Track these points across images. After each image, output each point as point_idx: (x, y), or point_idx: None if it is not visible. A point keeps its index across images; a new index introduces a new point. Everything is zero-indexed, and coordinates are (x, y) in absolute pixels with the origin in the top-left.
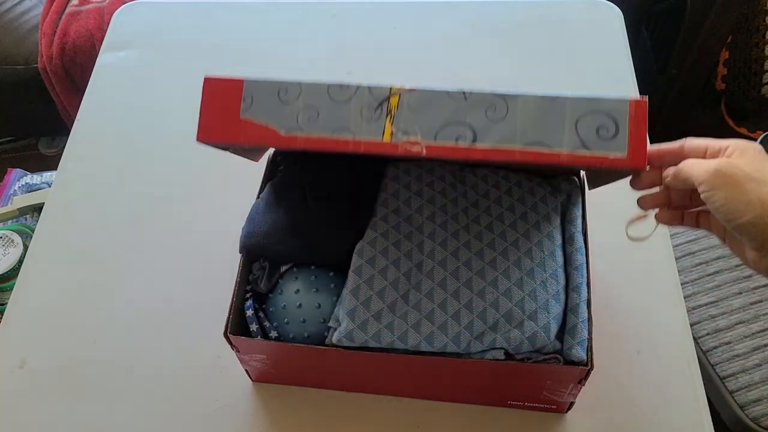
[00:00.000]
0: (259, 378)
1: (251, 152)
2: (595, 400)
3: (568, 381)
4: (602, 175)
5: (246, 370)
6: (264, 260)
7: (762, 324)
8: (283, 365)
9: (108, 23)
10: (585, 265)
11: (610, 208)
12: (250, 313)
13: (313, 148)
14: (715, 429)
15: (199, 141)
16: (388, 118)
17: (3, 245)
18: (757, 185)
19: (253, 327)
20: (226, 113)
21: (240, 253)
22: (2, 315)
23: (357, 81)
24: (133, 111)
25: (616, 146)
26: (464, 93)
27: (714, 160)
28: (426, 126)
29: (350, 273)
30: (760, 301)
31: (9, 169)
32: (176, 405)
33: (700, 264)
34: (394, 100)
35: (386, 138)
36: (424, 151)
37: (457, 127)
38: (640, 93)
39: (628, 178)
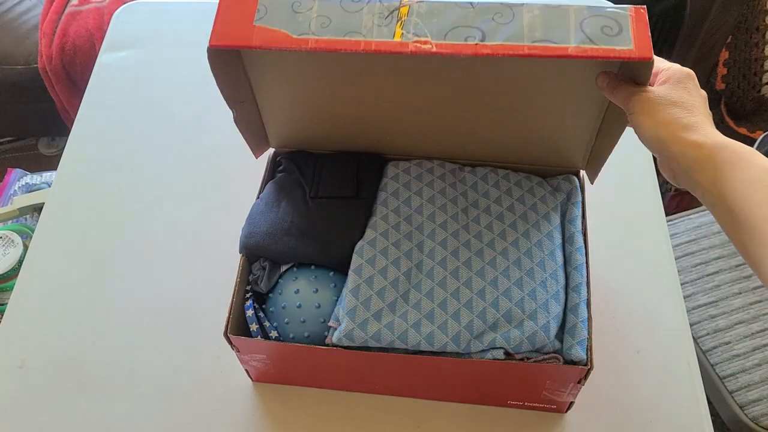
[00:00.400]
0: (259, 378)
1: (253, 140)
2: (594, 399)
3: (567, 381)
4: (609, 141)
5: (246, 370)
6: (264, 260)
7: (762, 324)
8: (283, 365)
9: (108, 23)
10: (585, 264)
11: (610, 208)
12: (250, 313)
13: (324, 50)
14: (714, 429)
15: (211, 46)
16: (399, 23)
17: (3, 245)
18: (665, 108)
19: (253, 327)
20: (240, 22)
21: (240, 253)
22: (2, 315)
23: None
24: (133, 111)
25: (622, 41)
26: (471, 3)
27: (639, 88)
28: (435, 29)
29: (350, 273)
30: (760, 301)
31: (9, 169)
32: (176, 405)
33: (700, 264)
34: (404, 10)
35: (396, 39)
36: (434, 48)
37: (466, 29)
38: None
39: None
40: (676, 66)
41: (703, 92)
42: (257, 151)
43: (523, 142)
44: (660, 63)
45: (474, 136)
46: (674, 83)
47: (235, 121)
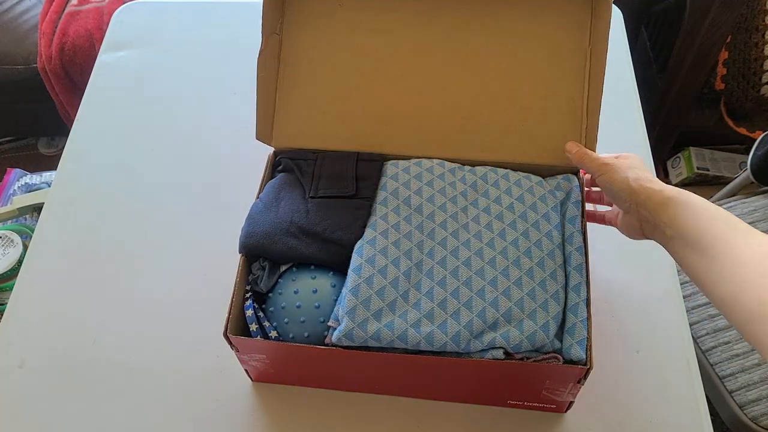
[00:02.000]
0: (259, 378)
1: (262, 105)
2: (594, 399)
3: (567, 380)
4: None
5: (246, 370)
6: (263, 260)
7: None
8: (283, 365)
9: (107, 23)
10: (584, 264)
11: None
12: (249, 312)
13: None
14: (714, 428)
15: None
16: None
17: (3, 245)
18: (631, 170)
19: (253, 327)
20: None
21: (240, 253)
22: (2, 315)
23: None
24: (133, 111)
25: None
26: None
27: (603, 156)
28: None
29: (350, 272)
30: None
31: (8, 168)
32: (176, 404)
33: None
34: None
35: None
36: None
37: None
38: (640, 93)
39: None
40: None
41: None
42: (260, 131)
43: (520, 129)
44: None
45: (473, 130)
46: (633, 158)
47: (259, 58)
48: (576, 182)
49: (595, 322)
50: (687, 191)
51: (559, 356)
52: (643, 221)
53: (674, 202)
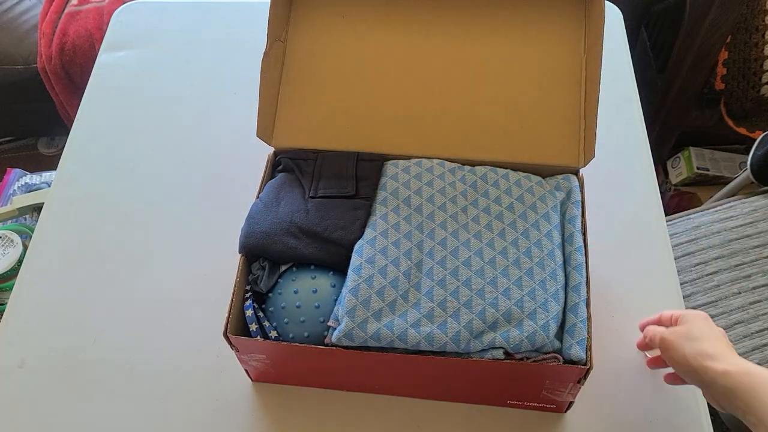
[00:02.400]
0: (259, 378)
1: (265, 104)
2: (594, 399)
3: (567, 380)
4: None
5: (246, 370)
6: (263, 260)
7: (761, 324)
8: (283, 365)
9: (107, 23)
10: (584, 264)
11: (610, 208)
12: (249, 312)
13: None
14: (714, 428)
15: None
16: None
17: (2, 245)
18: (688, 342)
19: (253, 327)
20: None
21: (240, 253)
22: (2, 315)
23: None
24: (133, 111)
25: None
26: None
27: (664, 330)
28: None
29: (350, 272)
30: (759, 301)
31: (8, 168)
32: (176, 404)
33: (699, 264)
34: None
35: None
36: None
37: None
38: (640, 93)
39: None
40: (692, 311)
41: (720, 329)
42: (261, 129)
43: (520, 129)
44: (671, 312)
45: (472, 130)
46: (692, 322)
47: (263, 59)
48: (576, 182)
49: (595, 322)
50: (758, 368)
51: (559, 356)
52: (718, 400)
53: (743, 388)
